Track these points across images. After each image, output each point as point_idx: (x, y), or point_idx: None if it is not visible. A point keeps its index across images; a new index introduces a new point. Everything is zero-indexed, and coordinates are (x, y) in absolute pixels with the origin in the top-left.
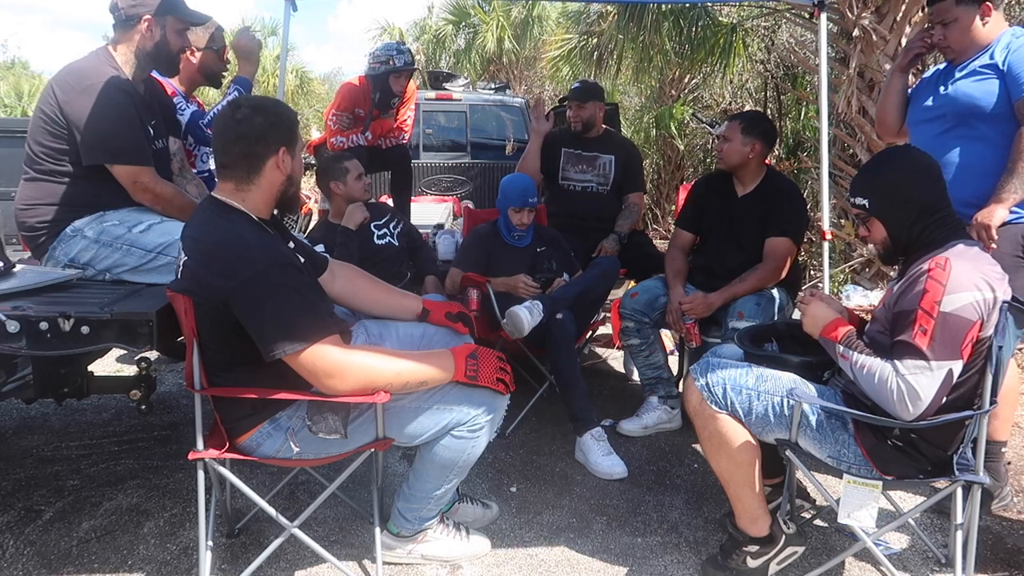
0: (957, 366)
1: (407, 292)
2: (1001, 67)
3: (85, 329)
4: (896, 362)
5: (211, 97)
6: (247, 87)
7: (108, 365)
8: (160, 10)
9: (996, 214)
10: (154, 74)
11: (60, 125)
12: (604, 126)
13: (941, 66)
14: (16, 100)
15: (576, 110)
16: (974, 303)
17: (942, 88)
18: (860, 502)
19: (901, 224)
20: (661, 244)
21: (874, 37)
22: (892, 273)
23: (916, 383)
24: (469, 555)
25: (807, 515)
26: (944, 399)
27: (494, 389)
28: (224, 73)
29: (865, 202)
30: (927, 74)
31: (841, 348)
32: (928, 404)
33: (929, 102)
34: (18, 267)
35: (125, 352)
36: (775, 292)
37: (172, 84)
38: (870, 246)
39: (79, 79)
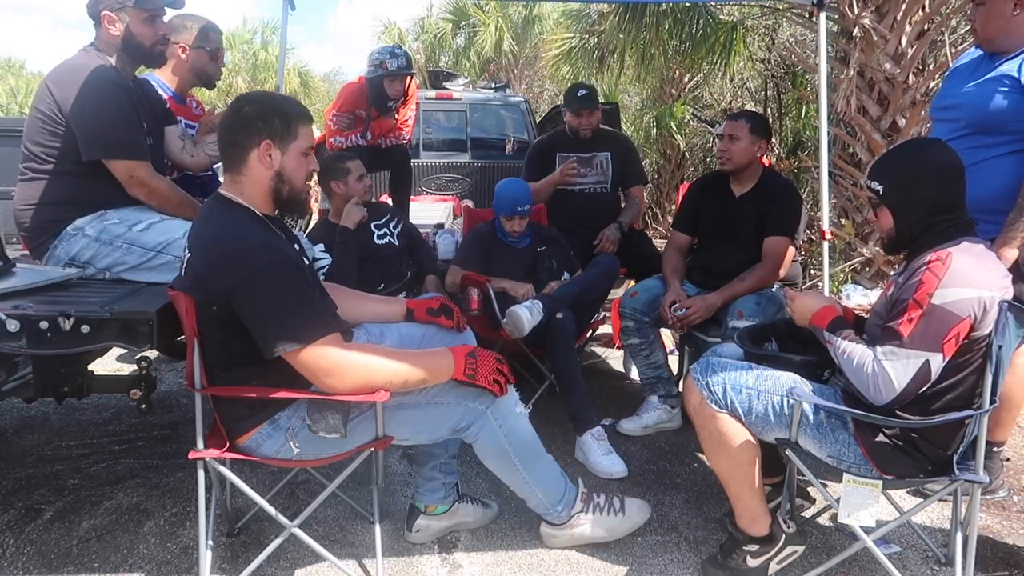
0: (935, 359)
1: (389, 298)
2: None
3: (85, 328)
4: (876, 347)
5: (208, 97)
6: None
7: (108, 364)
8: (115, 4)
9: (1005, 257)
10: (148, 77)
11: (59, 123)
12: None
13: (977, 53)
14: (13, 99)
15: (587, 118)
16: (968, 300)
17: (967, 84)
18: (860, 502)
19: (909, 219)
20: (661, 244)
21: (874, 36)
22: (892, 273)
23: (891, 368)
24: (629, 528)
25: (807, 514)
26: (921, 390)
27: (490, 390)
28: (219, 77)
29: (880, 188)
30: (962, 60)
31: (827, 334)
32: (900, 392)
33: (948, 100)
34: (18, 266)
35: (125, 351)
36: (775, 291)
37: (166, 86)
38: (870, 244)
39: (75, 76)
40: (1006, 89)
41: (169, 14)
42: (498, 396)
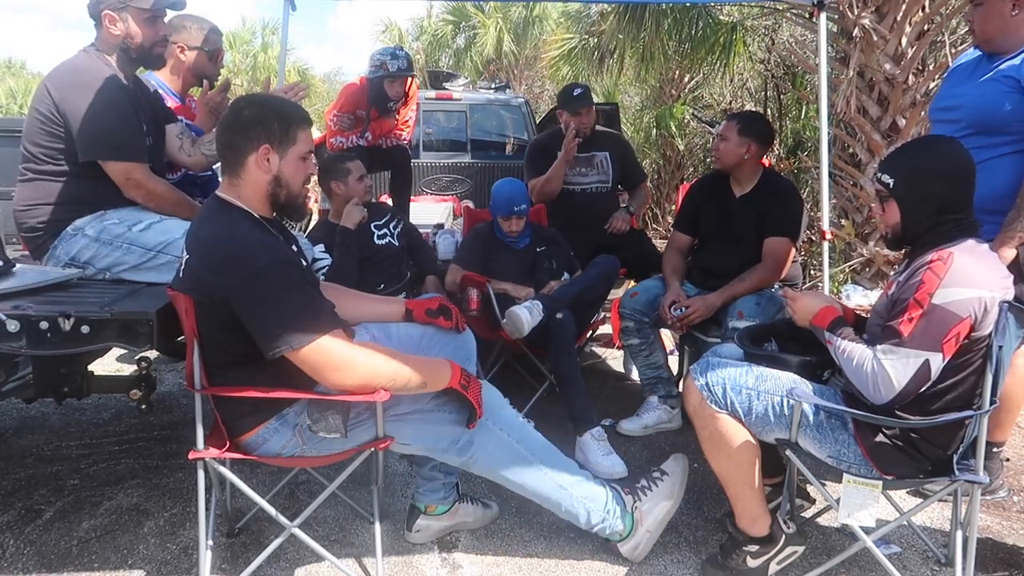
0: (935, 359)
1: (388, 298)
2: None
3: (85, 328)
4: (876, 346)
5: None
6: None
7: (108, 364)
8: (117, 4)
9: (1002, 256)
10: (149, 78)
11: (57, 124)
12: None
13: (975, 54)
14: (13, 100)
15: (585, 117)
16: (969, 300)
17: (966, 85)
18: (860, 502)
19: (916, 215)
20: (661, 244)
21: (874, 37)
22: (891, 273)
23: (890, 367)
24: (683, 480)
25: (807, 514)
26: (920, 390)
27: (474, 408)
28: (217, 77)
29: (890, 182)
30: (961, 60)
31: (827, 334)
32: (899, 391)
33: (948, 101)
34: (18, 266)
35: (125, 351)
36: (774, 292)
37: (166, 86)
38: (870, 244)
39: (74, 76)
40: (1006, 90)
41: (169, 15)
42: (478, 416)
